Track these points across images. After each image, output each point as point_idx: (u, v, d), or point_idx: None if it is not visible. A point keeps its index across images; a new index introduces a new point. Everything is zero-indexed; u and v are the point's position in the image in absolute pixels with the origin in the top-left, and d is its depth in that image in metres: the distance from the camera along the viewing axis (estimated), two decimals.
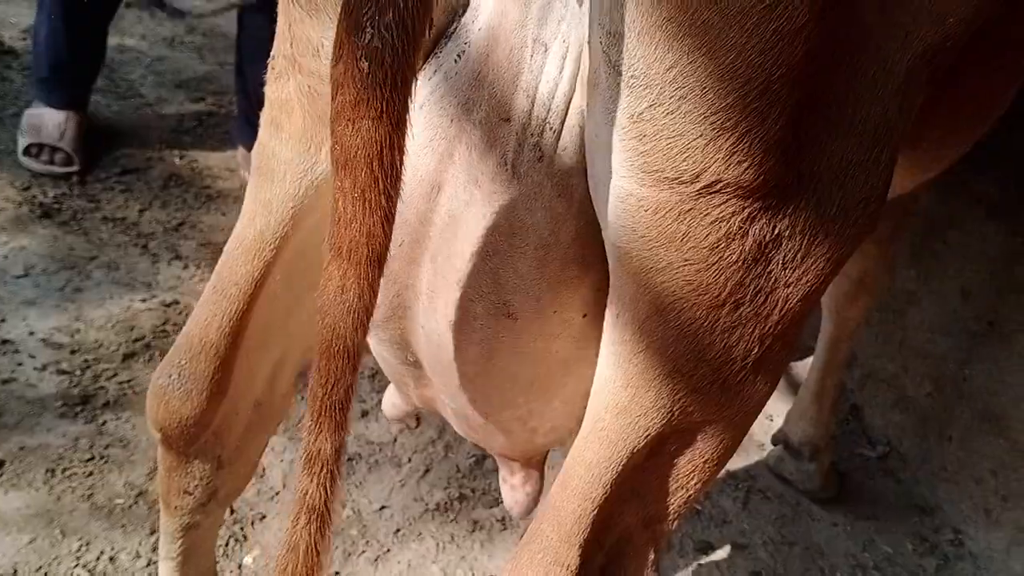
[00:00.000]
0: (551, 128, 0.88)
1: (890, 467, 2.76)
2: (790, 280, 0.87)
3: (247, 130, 3.16)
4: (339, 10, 0.70)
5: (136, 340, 2.46)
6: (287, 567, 0.93)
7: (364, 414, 2.43)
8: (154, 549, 1.93)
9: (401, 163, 0.73)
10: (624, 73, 0.75)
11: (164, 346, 2.45)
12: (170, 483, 1.33)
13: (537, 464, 1.54)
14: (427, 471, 2.31)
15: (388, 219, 0.74)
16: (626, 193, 0.82)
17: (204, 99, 3.69)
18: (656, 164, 0.78)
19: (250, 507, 2.10)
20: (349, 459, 2.29)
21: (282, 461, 2.22)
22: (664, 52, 0.72)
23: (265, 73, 1.05)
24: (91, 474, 2.05)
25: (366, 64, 0.67)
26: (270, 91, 1.06)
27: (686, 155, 0.76)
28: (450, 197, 0.94)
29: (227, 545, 1.99)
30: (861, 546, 2.45)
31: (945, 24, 0.81)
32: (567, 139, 0.88)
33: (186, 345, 1.20)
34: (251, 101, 3.15)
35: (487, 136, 0.89)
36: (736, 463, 2.60)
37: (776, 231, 0.83)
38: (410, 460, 2.33)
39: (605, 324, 0.95)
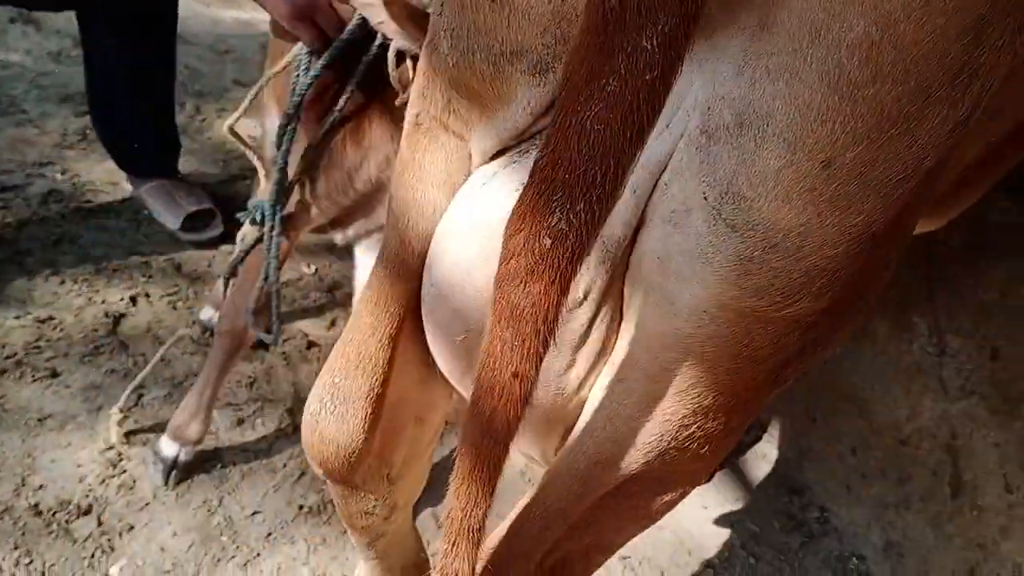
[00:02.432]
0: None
1: (762, 450, 2.86)
2: (805, 367, 0.95)
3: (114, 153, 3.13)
4: (525, 188, 0.73)
5: (7, 357, 2.45)
6: None
7: (240, 422, 2.46)
8: (17, 564, 1.94)
9: (559, 319, 0.76)
10: (738, 225, 0.78)
11: (36, 362, 2.46)
12: (349, 508, 1.32)
13: None
14: (302, 475, 2.34)
15: (539, 362, 0.77)
16: (714, 306, 0.85)
17: (88, 112, 3.66)
18: (754, 293, 0.82)
19: (118, 518, 2.11)
20: (223, 466, 2.32)
21: (153, 472, 2.24)
22: (798, 213, 0.76)
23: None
24: None
25: (548, 241, 0.71)
26: (413, 139, 1.06)
27: (784, 289, 0.81)
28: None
29: (93, 556, 2.00)
30: (729, 527, 2.54)
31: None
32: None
33: (340, 362, 1.17)
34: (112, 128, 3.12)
35: None
36: None
37: (820, 333, 0.91)
38: (285, 466, 2.36)
39: (607, 385, 0.97)
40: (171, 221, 3.06)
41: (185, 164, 3.46)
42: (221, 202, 3.29)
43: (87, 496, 2.14)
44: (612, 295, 0.93)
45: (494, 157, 0.97)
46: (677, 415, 0.93)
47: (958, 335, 2.26)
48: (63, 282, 2.76)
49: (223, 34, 4.65)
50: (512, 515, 1.07)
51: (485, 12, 0.85)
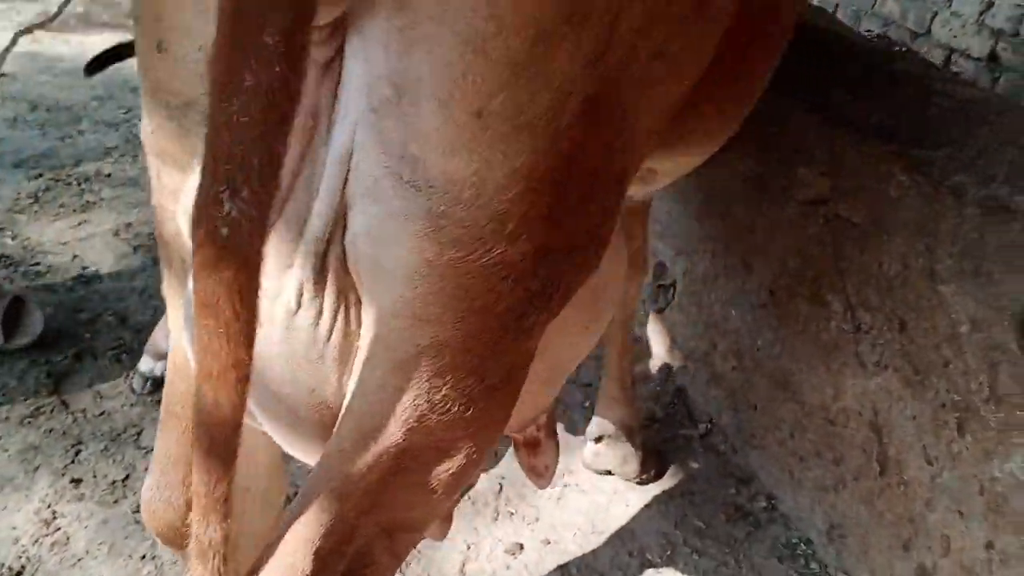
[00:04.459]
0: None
1: (712, 442, 2.85)
2: (540, 320, 1.00)
3: None
4: (198, 185, 0.78)
5: None
6: None
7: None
8: None
9: (257, 301, 0.82)
10: (419, 185, 0.85)
11: None
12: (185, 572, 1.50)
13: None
14: None
15: (249, 346, 0.83)
16: (421, 264, 0.91)
17: (42, 175, 3.76)
18: (451, 245, 0.88)
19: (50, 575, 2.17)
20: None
21: (86, 528, 2.29)
22: (466, 164, 0.84)
23: None
24: None
25: (226, 230, 0.77)
26: (160, 231, 1.16)
27: (479, 238, 0.88)
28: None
29: None
30: (673, 524, 2.53)
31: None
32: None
33: (157, 461, 1.36)
34: None
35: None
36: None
37: (545, 278, 0.96)
38: None
39: (357, 363, 1.02)
40: None
41: (107, 209, 3.54)
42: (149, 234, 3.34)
43: (20, 557, 2.19)
44: (343, 288, 0.97)
45: None
46: (423, 379, 0.97)
47: (868, 310, 2.24)
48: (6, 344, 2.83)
49: None
50: (295, 502, 1.10)
51: (156, 65, 0.91)
